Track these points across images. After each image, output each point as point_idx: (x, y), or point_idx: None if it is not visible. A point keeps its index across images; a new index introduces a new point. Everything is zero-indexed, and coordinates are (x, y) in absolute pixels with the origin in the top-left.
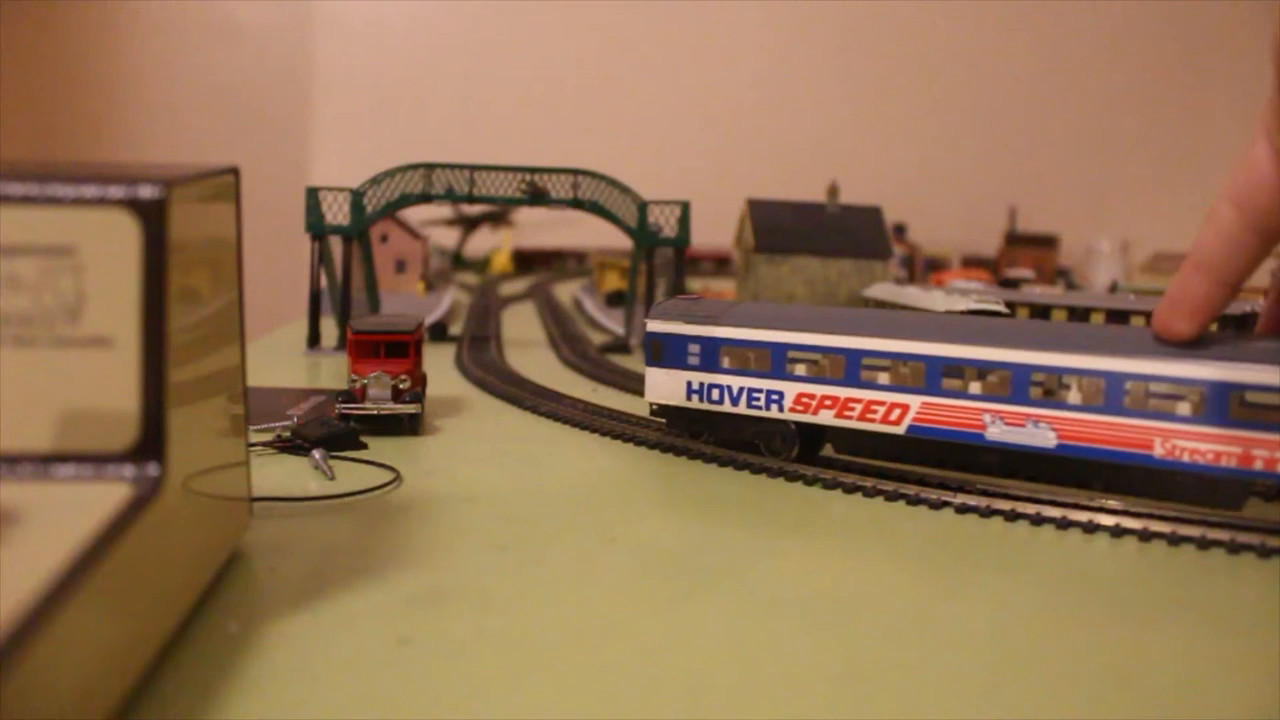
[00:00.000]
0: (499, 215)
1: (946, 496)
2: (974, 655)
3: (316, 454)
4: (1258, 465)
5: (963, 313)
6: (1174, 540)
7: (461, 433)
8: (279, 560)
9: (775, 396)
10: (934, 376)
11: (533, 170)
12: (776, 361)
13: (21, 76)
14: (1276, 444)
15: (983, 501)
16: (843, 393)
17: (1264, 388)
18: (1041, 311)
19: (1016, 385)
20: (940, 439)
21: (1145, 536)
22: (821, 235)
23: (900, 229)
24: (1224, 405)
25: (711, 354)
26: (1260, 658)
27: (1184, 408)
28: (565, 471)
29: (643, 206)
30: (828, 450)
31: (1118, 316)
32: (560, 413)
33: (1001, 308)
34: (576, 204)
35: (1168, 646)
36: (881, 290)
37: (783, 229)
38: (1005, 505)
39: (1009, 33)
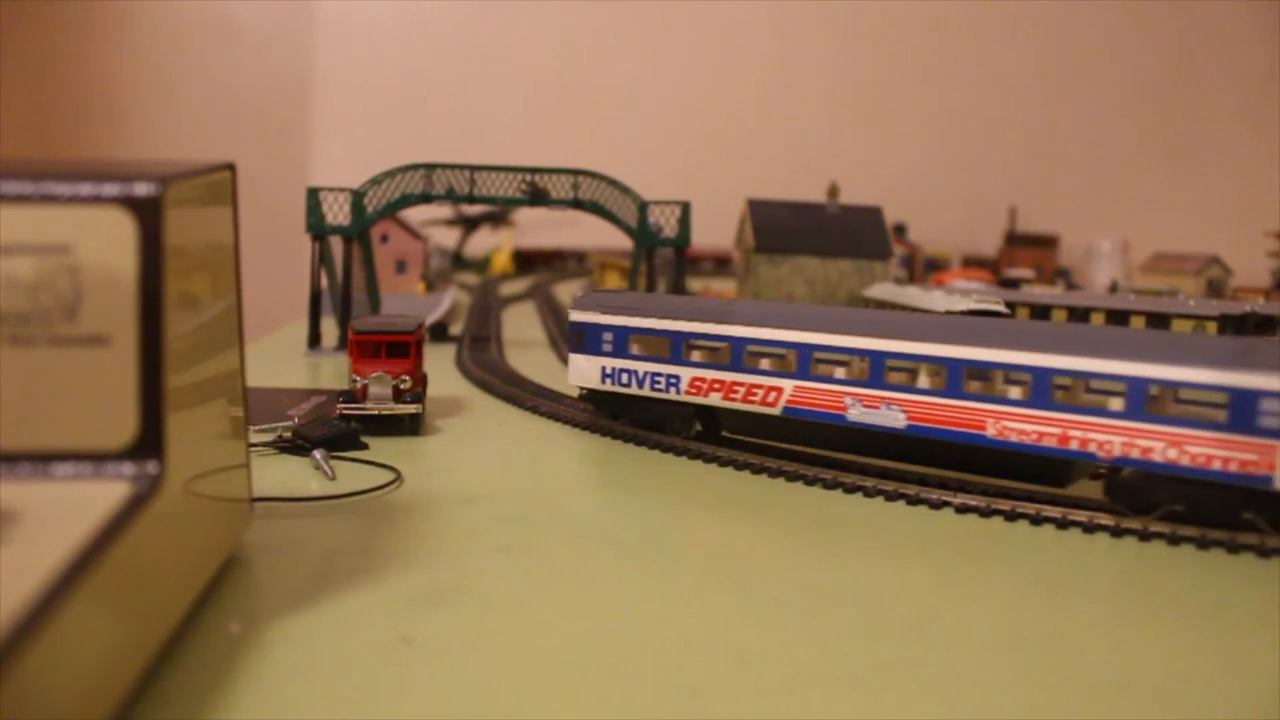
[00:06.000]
0: (499, 215)
1: (946, 496)
2: (973, 654)
3: (317, 454)
4: (1073, 445)
5: (963, 313)
6: (1174, 540)
7: (462, 433)
8: (280, 560)
9: (673, 380)
10: (804, 362)
11: (533, 170)
12: (675, 348)
13: (21, 76)
14: (1090, 425)
15: (983, 501)
16: (728, 377)
17: (1075, 373)
18: (1041, 311)
19: (873, 371)
20: (810, 419)
21: (1145, 536)
22: (821, 235)
23: (900, 229)
24: (1045, 389)
25: (622, 341)
26: (1260, 658)
27: (1015, 392)
28: (566, 472)
29: (643, 206)
30: (834, 445)
31: (1118, 316)
32: (560, 413)
33: (1002, 308)
34: (576, 204)
35: (1167, 646)
36: (881, 290)
37: (783, 229)
38: (1005, 505)
39: (1009, 33)
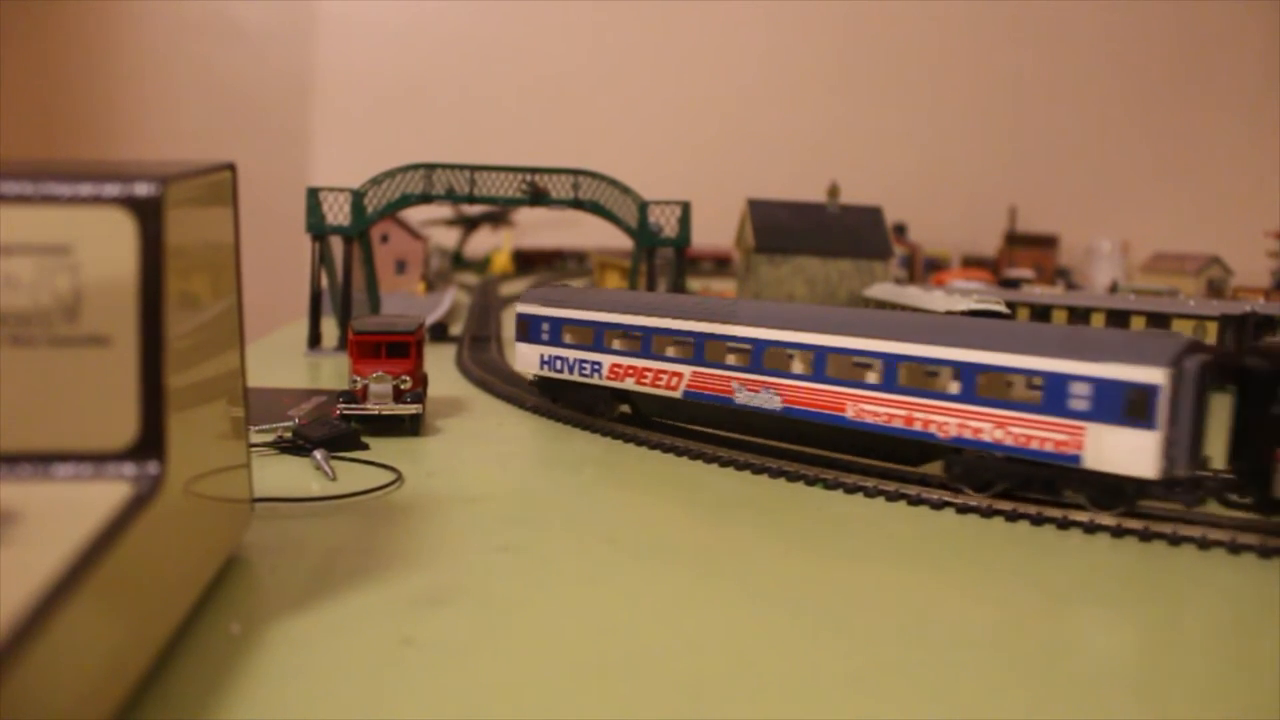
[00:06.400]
0: (499, 215)
1: (948, 497)
2: (975, 655)
3: (318, 454)
4: (917, 426)
5: (963, 313)
6: (1175, 540)
7: (463, 433)
8: (280, 561)
9: (596, 366)
10: (700, 350)
11: (533, 170)
12: (597, 337)
13: (21, 76)
14: (930, 407)
15: (984, 501)
16: (640, 363)
17: (917, 359)
18: (1042, 312)
19: (754, 357)
20: (706, 402)
21: (1146, 536)
22: (822, 235)
23: (900, 229)
24: (894, 374)
25: (556, 331)
26: (1260, 658)
27: (870, 376)
28: (566, 472)
29: (643, 206)
30: (839, 447)
31: (1118, 316)
32: (561, 413)
33: (1002, 308)
34: (576, 204)
35: (1168, 646)
36: (882, 290)
37: (783, 229)
38: (1006, 505)
39: (1009, 33)
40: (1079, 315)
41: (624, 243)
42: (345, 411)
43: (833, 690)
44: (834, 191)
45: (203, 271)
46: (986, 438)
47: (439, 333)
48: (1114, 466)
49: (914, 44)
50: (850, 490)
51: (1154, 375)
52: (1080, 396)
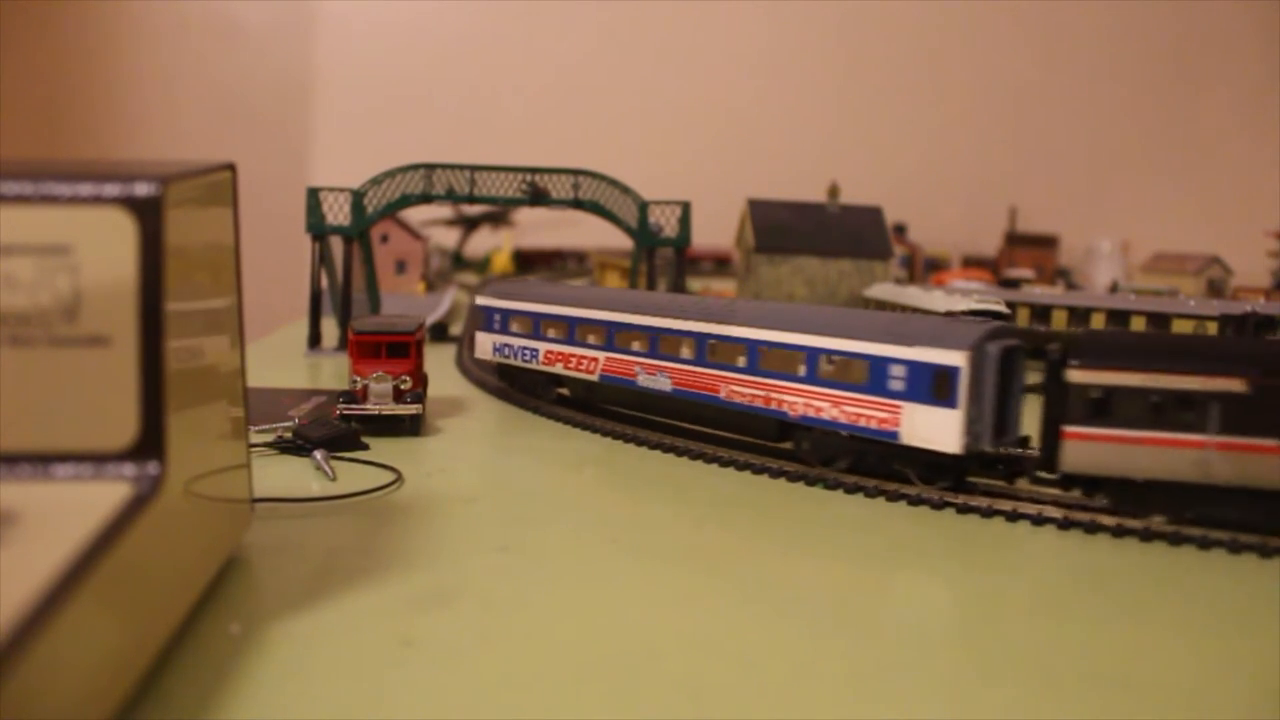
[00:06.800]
0: (499, 215)
1: (948, 497)
2: (976, 655)
3: (318, 455)
4: (772, 405)
5: (963, 313)
6: (1175, 540)
7: (462, 433)
8: (280, 561)
9: (534, 352)
10: (611, 337)
11: (533, 170)
12: (535, 326)
13: (21, 76)
14: (783, 389)
15: (984, 502)
16: (566, 349)
17: (773, 344)
18: (1042, 311)
19: (651, 344)
20: (616, 384)
21: (1146, 536)
22: (822, 235)
23: (900, 229)
24: (755, 359)
25: (505, 321)
26: (1260, 658)
27: (740, 360)
28: (566, 472)
29: (643, 206)
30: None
31: (1118, 316)
32: (561, 413)
33: (1002, 308)
34: (577, 204)
35: (1169, 646)
36: (882, 290)
37: (783, 229)
38: (1007, 505)
39: (1009, 32)
40: (1079, 315)
41: (624, 243)
42: (345, 411)
43: (832, 690)
44: (834, 191)
45: (203, 271)
46: (826, 416)
47: (439, 333)
48: (924, 442)
49: (914, 45)
50: (850, 490)
51: (955, 358)
52: (897, 378)
